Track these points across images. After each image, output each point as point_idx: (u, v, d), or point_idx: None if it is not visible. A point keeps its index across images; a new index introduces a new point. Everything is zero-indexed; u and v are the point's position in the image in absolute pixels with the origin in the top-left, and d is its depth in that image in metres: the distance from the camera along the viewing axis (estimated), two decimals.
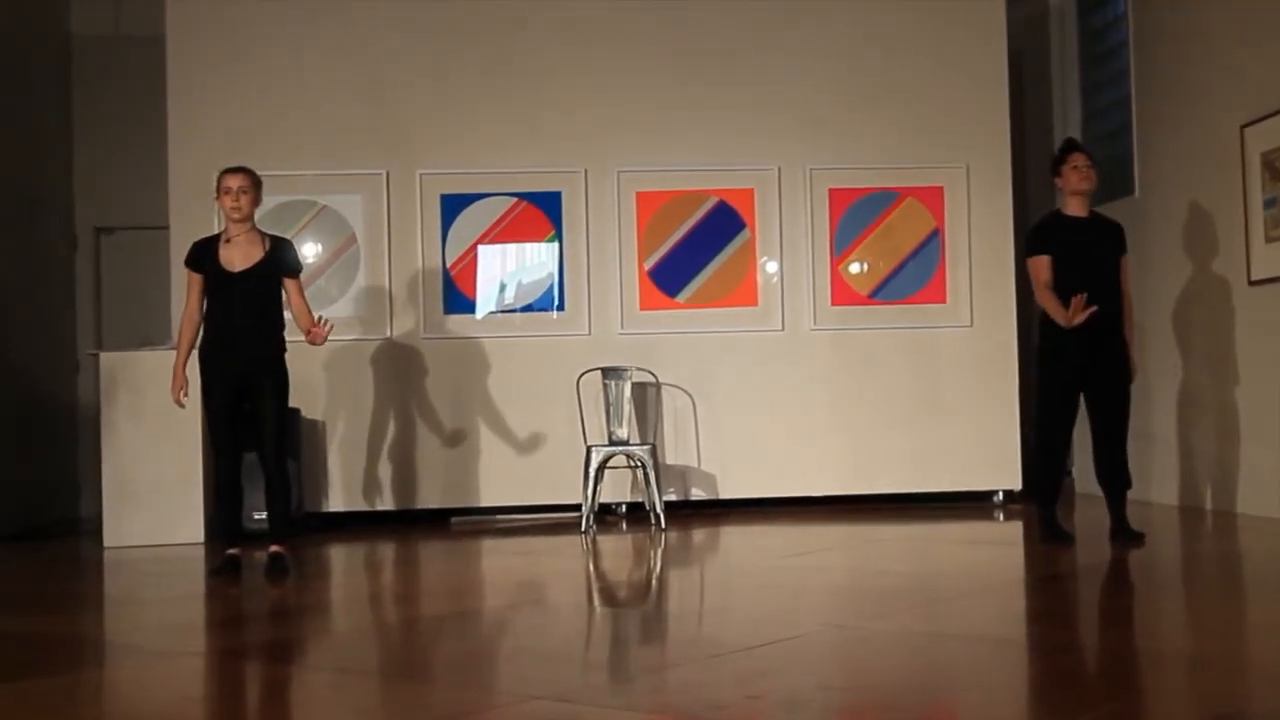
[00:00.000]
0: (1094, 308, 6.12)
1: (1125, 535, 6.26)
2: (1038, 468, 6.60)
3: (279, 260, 6.10)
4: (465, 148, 8.63)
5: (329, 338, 6.16)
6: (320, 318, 6.09)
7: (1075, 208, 6.39)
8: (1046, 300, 6.26)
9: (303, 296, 6.18)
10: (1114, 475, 6.32)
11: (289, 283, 6.15)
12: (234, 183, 6.06)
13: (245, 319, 6.03)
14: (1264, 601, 4.85)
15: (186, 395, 6.18)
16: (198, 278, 6.10)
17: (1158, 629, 4.37)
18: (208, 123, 8.46)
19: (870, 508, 8.51)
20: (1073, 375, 6.29)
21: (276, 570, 5.94)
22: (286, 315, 6.22)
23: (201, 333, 6.14)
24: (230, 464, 6.05)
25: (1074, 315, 6.09)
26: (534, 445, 8.54)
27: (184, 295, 8.29)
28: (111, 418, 7.58)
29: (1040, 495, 6.47)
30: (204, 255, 6.12)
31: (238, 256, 6.06)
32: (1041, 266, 6.30)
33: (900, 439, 8.70)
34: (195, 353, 6.14)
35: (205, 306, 6.11)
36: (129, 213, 9.92)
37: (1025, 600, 5.04)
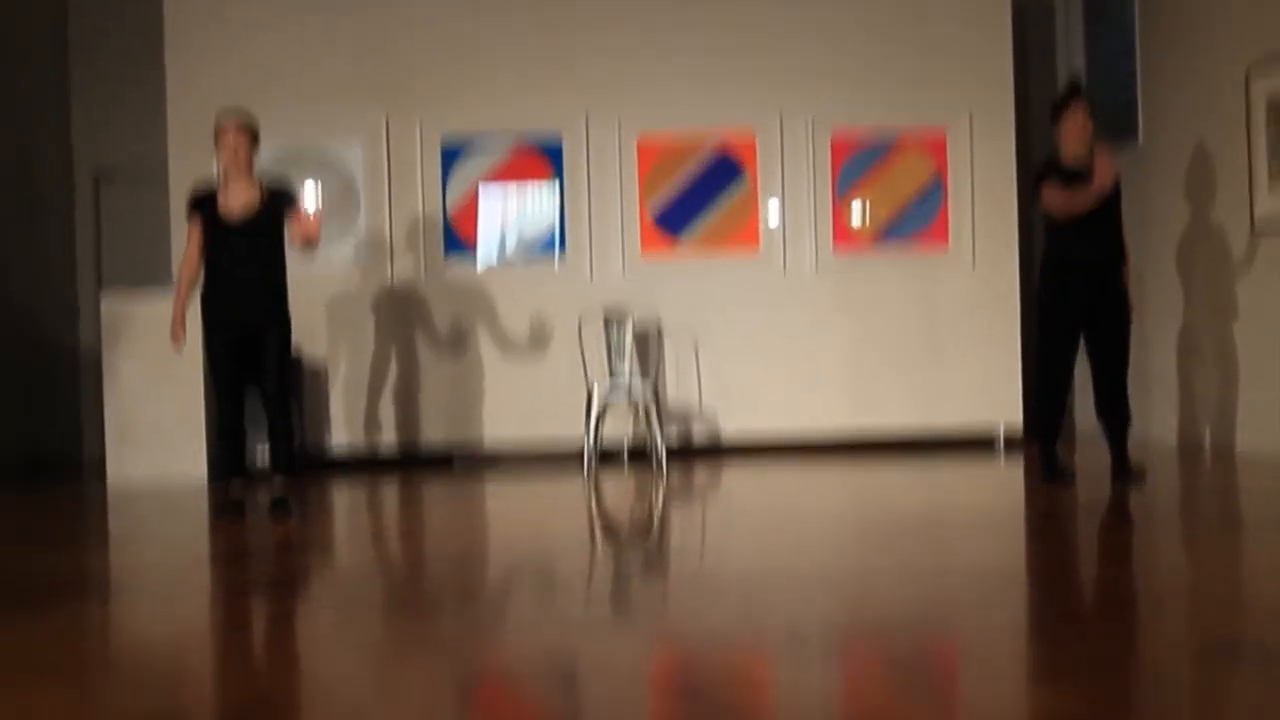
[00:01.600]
0: (1116, 165, 6.11)
1: (1125, 473, 6.28)
2: (1038, 407, 6.61)
3: (277, 205, 6.07)
4: (465, 95, 8.59)
5: (318, 234, 6.03)
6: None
7: (1073, 154, 6.37)
8: (1078, 202, 6.14)
9: (303, 225, 6.07)
10: (1114, 414, 6.34)
11: (291, 221, 6.07)
12: (232, 129, 6.03)
13: (246, 268, 6.01)
14: (1261, 537, 4.86)
15: (184, 341, 6.19)
16: (197, 226, 6.08)
17: (1156, 565, 4.39)
18: (207, 68, 8.42)
19: (872, 449, 8.54)
20: (1073, 315, 6.29)
21: (280, 510, 5.96)
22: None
23: (203, 281, 6.12)
24: (232, 410, 6.05)
25: (1108, 180, 6.05)
26: (536, 388, 8.54)
27: (182, 238, 8.34)
28: (113, 360, 7.60)
29: (1041, 434, 6.48)
30: (203, 203, 6.09)
31: (236, 205, 6.03)
32: (1054, 190, 6.25)
33: (902, 381, 8.71)
34: (198, 300, 6.13)
35: (205, 255, 6.08)
36: (128, 158, 9.88)
37: (1026, 536, 5.06)
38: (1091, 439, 8.83)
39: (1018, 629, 3.40)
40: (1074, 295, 6.27)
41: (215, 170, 8.06)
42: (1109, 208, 6.32)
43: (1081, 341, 6.38)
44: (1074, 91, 6.51)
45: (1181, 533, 5.14)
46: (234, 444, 6.13)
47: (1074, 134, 6.32)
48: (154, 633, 3.65)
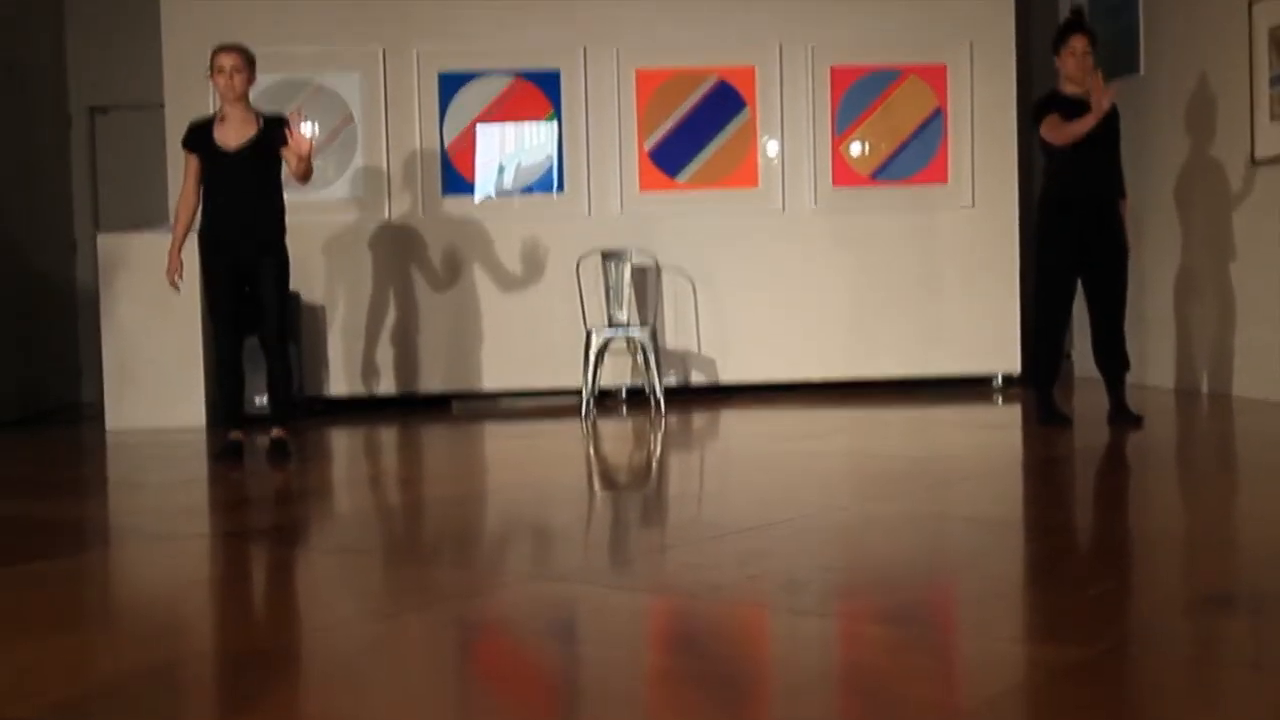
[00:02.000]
0: (1113, 89, 6.05)
1: (1123, 418, 6.29)
2: (1036, 350, 6.60)
3: (273, 136, 6.02)
4: (463, 26, 8.50)
5: (310, 151, 5.94)
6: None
7: (1074, 88, 6.31)
8: (1077, 127, 6.06)
9: (290, 155, 6.02)
10: (1112, 358, 6.33)
11: (286, 151, 6.01)
12: (227, 61, 5.97)
13: (243, 198, 5.98)
14: (1259, 485, 4.88)
15: (181, 279, 6.15)
16: (194, 159, 6.04)
17: (1153, 511, 4.41)
18: (202, 1, 8.32)
19: (871, 391, 8.54)
20: (1071, 258, 6.27)
21: (278, 454, 5.97)
22: (287, 197, 6.18)
23: (200, 215, 6.10)
24: (231, 347, 6.03)
25: (1105, 100, 5.96)
26: (534, 329, 8.53)
27: (179, 174, 8.30)
28: (110, 300, 7.57)
29: (1039, 378, 6.48)
30: (199, 136, 6.04)
31: (232, 136, 5.99)
32: (1054, 121, 6.18)
33: (901, 321, 8.69)
34: (196, 235, 6.11)
35: (202, 188, 6.06)
36: (124, 91, 9.80)
37: (1023, 483, 5.08)
38: (1089, 382, 8.85)
39: (1015, 578, 3.41)
40: (1071, 230, 6.25)
41: (211, 102, 8.03)
42: (1107, 142, 6.28)
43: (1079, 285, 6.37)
44: (1074, 23, 6.44)
45: (1178, 478, 5.16)
46: (232, 385, 6.11)
47: (1074, 66, 6.27)
48: (153, 582, 3.67)
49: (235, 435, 6.05)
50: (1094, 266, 6.29)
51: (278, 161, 6.06)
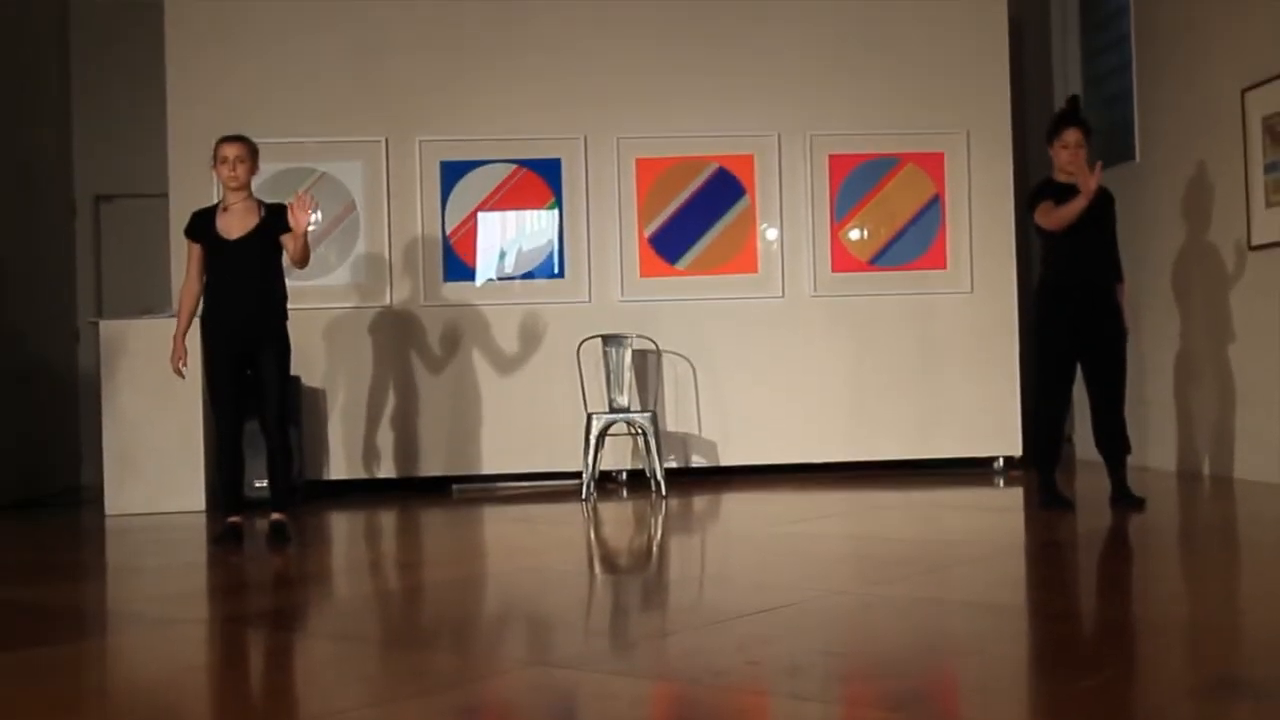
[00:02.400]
0: (1099, 169, 6.13)
1: (1126, 501, 6.27)
2: (1036, 435, 6.60)
3: (275, 224, 6.08)
4: (465, 114, 8.61)
5: (310, 218, 5.97)
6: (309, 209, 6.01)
7: (1067, 177, 6.36)
8: (1068, 210, 6.11)
9: (291, 240, 6.08)
10: (1113, 441, 6.33)
11: (286, 239, 6.09)
12: (231, 151, 6.05)
13: (244, 286, 6.04)
14: (1262, 568, 4.86)
15: (186, 365, 6.19)
16: (197, 247, 6.11)
17: (1156, 596, 4.39)
18: (207, 89, 8.43)
19: (871, 474, 8.53)
20: (1069, 342, 6.29)
21: (278, 538, 5.95)
22: (290, 283, 6.24)
23: (202, 302, 6.15)
24: (231, 432, 6.05)
25: (1092, 181, 6.03)
26: (534, 413, 8.54)
27: (183, 261, 8.31)
28: (112, 386, 7.58)
29: (1040, 462, 6.48)
30: (202, 225, 6.12)
31: (235, 224, 6.06)
32: (1047, 207, 6.23)
33: (901, 405, 8.71)
34: (197, 321, 6.16)
35: (205, 276, 6.12)
36: (129, 180, 9.91)
37: (1025, 567, 5.05)
38: (1090, 465, 8.83)
39: (1017, 663, 3.39)
40: (1069, 317, 6.28)
41: (216, 190, 8.10)
42: (1103, 227, 6.32)
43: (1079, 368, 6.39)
44: (1068, 115, 6.48)
45: (1181, 562, 5.13)
46: (231, 469, 6.13)
47: (1067, 158, 6.33)
48: (150, 668, 3.64)
49: (234, 519, 6.04)
50: (1092, 350, 6.30)
51: (279, 249, 6.12)
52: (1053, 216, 6.20)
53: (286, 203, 6.31)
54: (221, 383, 6.06)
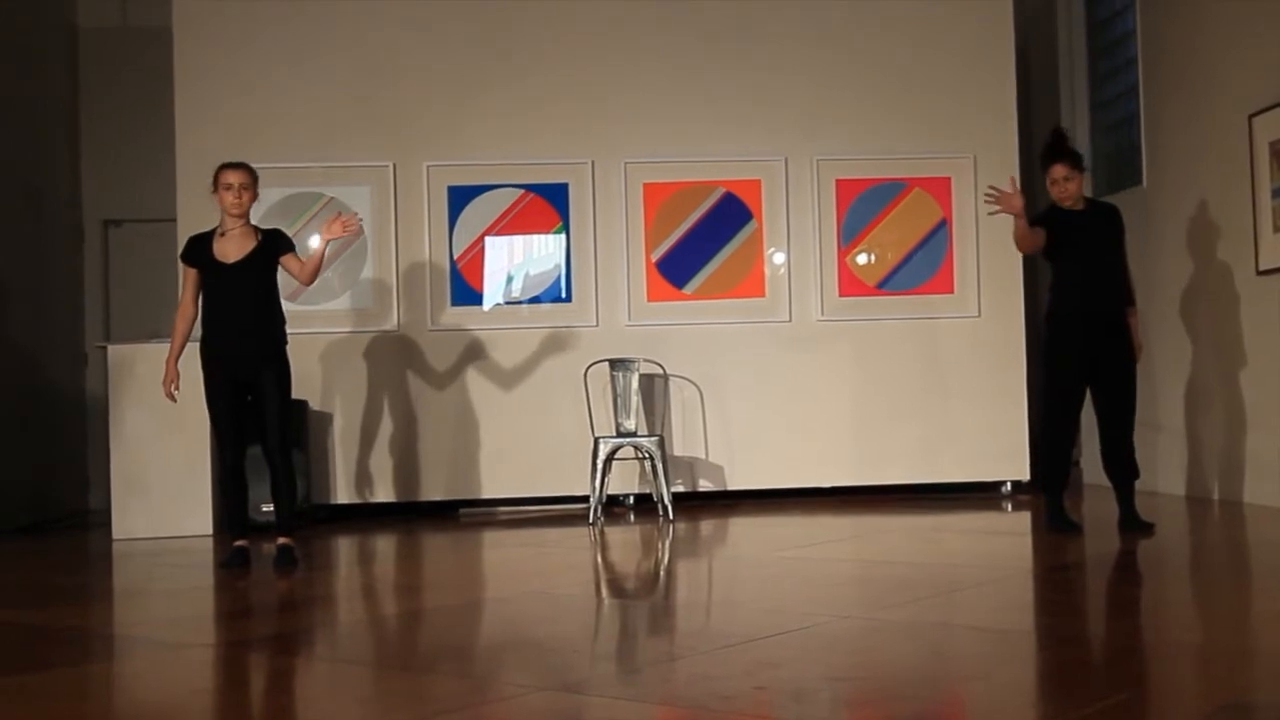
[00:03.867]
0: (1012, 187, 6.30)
1: (1134, 525, 6.26)
2: (1043, 457, 6.59)
3: (273, 248, 6.11)
4: (472, 139, 8.64)
5: (341, 234, 6.12)
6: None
7: (1075, 202, 6.39)
8: (1015, 233, 6.33)
9: (301, 261, 6.16)
10: (1121, 466, 6.32)
11: (286, 259, 6.12)
12: (235, 179, 6.06)
13: (242, 310, 6.04)
14: (1272, 592, 4.84)
15: (178, 389, 6.19)
16: (193, 272, 6.12)
17: (1166, 620, 4.37)
18: (215, 115, 8.47)
19: (878, 498, 8.52)
20: (1076, 368, 6.29)
21: (284, 562, 5.95)
22: (287, 306, 6.26)
23: (200, 327, 6.15)
24: (234, 456, 6.05)
25: (1014, 201, 6.21)
26: (541, 437, 8.54)
27: None
28: (119, 410, 7.60)
29: (1047, 486, 6.46)
30: (198, 250, 6.13)
31: (232, 249, 6.07)
32: (1020, 232, 6.31)
33: (908, 429, 8.69)
34: (197, 347, 6.15)
35: (201, 301, 6.13)
36: (136, 205, 9.96)
37: (1034, 591, 5.03)
38: (1098, 489, 8.81)
39: (1025, 688, 3.38)
40: (1077, 344, 6.28)
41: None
42: (1107, 249, 6.33)
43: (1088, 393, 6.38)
44: (1054, 149, 6.43)
45: (1190, 587, 5.11)
46: (236, 493, 6.13)
47: (1058, 193, 6.38)
48: (156, 692, 3.63)
49: (240, 543, 6.04)
50: (1101, 376, 6.30)
51: (275, 274, 6.13)
52: (1019, 241, 6.28)
53: (284, 231, 6.33)
54: (221, 408, 6.06)
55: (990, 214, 6.69)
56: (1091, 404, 6.38)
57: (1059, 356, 6.34)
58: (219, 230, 6.14)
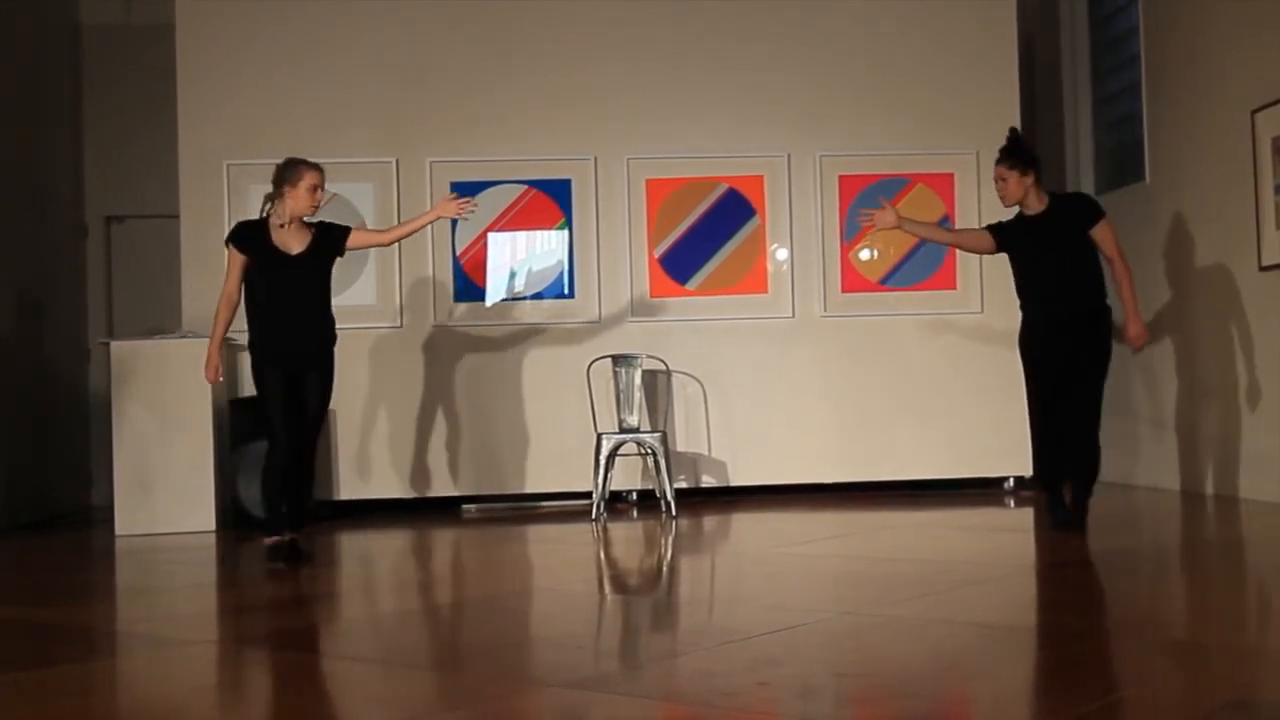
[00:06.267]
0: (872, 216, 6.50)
1: (1069, 521, 6.18)
2: (1036, 453, 6.54)
3: (331, 240, 6.10)
4: (475, 135, 8.64)
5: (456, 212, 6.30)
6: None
7: (1029, 206, 6.29)
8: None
9: (380, 230, 6.22)
10: (1079, 463, 6.21)
11: (354, 238, 6.17)
12: (319, 179, 6.03)
13: (304, 304, 6.02)
14: (1271, 588, 4.85)
15: (221, 378, 6.18)
16: (241, 259, 6.00)
17: (1167, 617, 4.39)
18: (218, 111, 8.48)
19: (881, 494, 8.53)
20: (1045, 373, 6.23)
21: (298, 556, 5.95)
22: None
23: (254, 321, 6.05)
24: (287, 456, 5.98)
25: (875, 216, 6.47)
26: (544, 433, 8.55)
27: (193, 282, 8.37)
28: (122, 407, 7.61)
29: (1043, 481, 6.43)
30: (255, 238, 6.02)
31: (293, 241, 6.02)
32: (964, 235, 6.53)
33: (911, 425, 8.70)
34: (247, 340, 6.08)
35: (251, 291, 6.01)
36: (139, 201, 9.98)
37: (1036, 587, 5.06)
38: (1101, 485, 8.84)
39: (1027, 684, 3.39)
40: (1042, 345, 6.24)
41: (226, 211, 8.15)
42: (1064, 249, 6.17)
43: None
44: (1001, 153, 6.34)
45: (1191, 584, 5.12)
46: (282, 491, 6.01)
47: (998, 193, 6.31)
48: (159, 689, 3.65)
49: (280, 539, 6.01)
50: (1069, 376, 6.20)
51: (331, 266, 6.13)
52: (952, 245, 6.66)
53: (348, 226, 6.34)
54: (278, 406, 5.98)
55: (870, 235, 6.74)
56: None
57: (1027, 357, 6.32)
58: (276, 222, 6.04)
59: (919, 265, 8.73)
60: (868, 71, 8.82)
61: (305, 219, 6.10)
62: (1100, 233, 6.18)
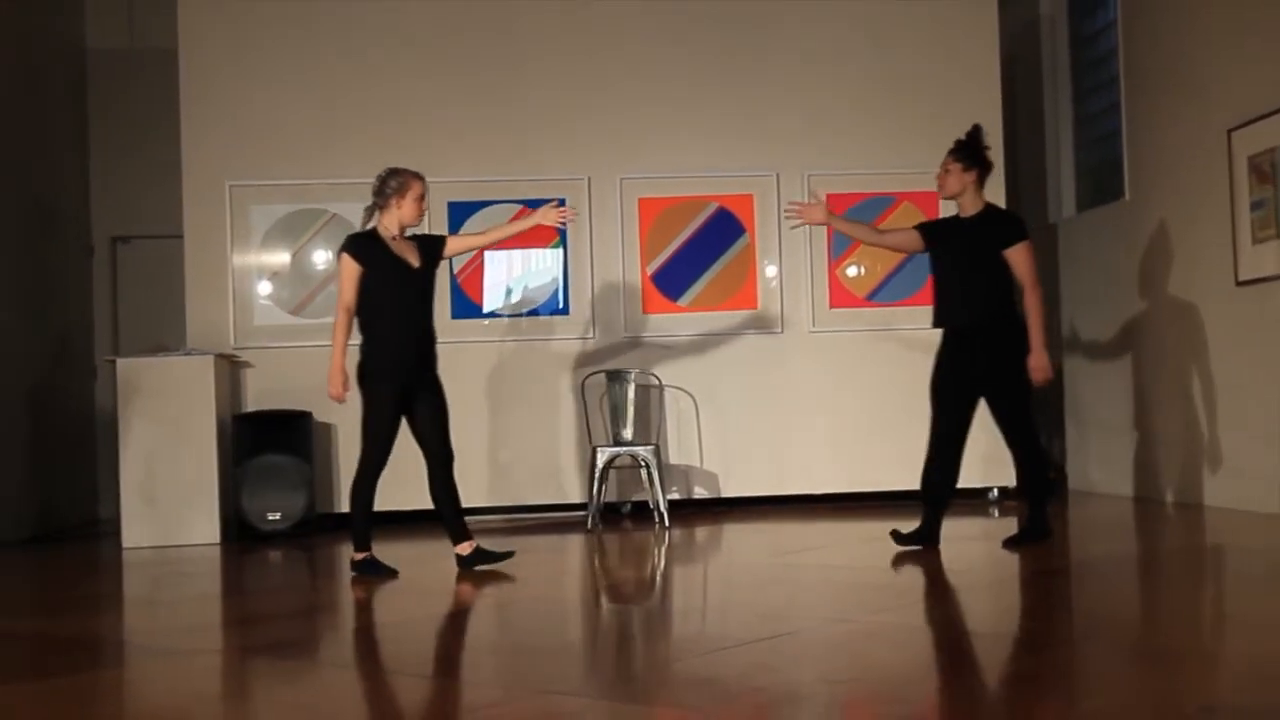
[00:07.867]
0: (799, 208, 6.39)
1: (1024, 538, 6.18)
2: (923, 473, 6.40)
3: (433, 248, 6.06)
4: (471, 156, 8.78)
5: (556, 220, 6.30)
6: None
7: (964, 207, 6.26)
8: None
9: (475, 234, 6.26)
10: (1024, 480, 6.24)
11: (451, 244, 6.16)
12: (424, 189, 6.01)
13: (423, 316, 5.99)
14: (1248, 595, 4.94)
15: (349, 390, 6.00)
16: (361, 270, 5.87)
17: (1150, 623, 4.47)
18: (221, 133, 8.62)
19: (870, 505, 8.64)
20: (943, 379, 6.22)
21: (491, 557, 6.09)
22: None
23: (371, 334, 5.95)
24: (376, 477, 6.03)
25: (805, 212, 6.37)
26: (540, 447, 8.68)
27: (197, 301, 8.46)
28: (128, 422, 7.73)
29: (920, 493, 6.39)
30: (373, 250, 5.91)
31: (410, 254, 5.97)
32: (886, 235, 6.58)
33: (898, 437, 8.81)
34: (365, 355, 6.00)
35: (370, 305, 5.90)
36: (145, 222, 10.08)
37: (1020, 595, 5.13)
38: (1080, 496, 8.98)
39: (1013, 690, 3.46)
40: (943, 357, 6.24)
41: (230, 230, 8.25)
42: (986, 268, 6.07)
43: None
44: (957, 142, 6.28)
45: (1173, 591, 5.22)
46: (368, 509, 6.08)
47: (939, 181, 6.28)
48: (165, 698, 3.69)
49: (368, 554, 6.06)
50: (986, 392, 6.20)
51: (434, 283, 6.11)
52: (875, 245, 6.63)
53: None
54: (389, 428, 5.95)
55: (793, 228, 6.63)
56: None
57: (934, 369, 6.28)
58: (386, 234, 5.96)
59: (905, 281, 8.89)
60: (854, 92, 8.98)
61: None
62: (1015, 254, 6.07)
